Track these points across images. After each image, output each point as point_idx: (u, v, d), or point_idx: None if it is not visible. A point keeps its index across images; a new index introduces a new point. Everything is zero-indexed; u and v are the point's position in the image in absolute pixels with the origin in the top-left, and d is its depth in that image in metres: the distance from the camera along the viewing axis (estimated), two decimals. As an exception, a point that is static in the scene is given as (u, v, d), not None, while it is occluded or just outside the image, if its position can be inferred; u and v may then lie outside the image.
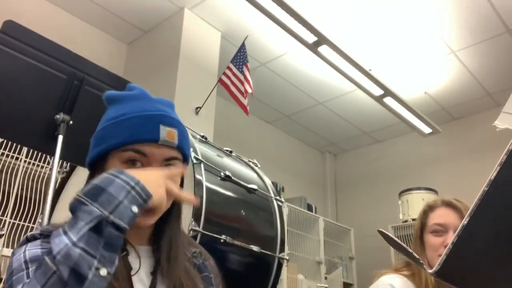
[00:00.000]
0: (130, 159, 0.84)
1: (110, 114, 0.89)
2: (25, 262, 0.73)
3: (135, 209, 0.70)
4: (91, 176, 0.89)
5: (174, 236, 0.91)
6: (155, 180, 0.76)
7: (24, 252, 0.75)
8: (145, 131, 0.84)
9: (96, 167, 0.88)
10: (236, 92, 3.25)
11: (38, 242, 0.78)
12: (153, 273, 0.87)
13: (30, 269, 0.71)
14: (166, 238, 0.90)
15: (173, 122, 0.88)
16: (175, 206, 0.92)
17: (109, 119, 0.88)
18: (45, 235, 0.79)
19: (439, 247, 1.29)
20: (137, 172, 0.76)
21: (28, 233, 0.82)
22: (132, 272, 0.83)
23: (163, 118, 0.87)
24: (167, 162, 0.86)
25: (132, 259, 0.85)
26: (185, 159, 0.92)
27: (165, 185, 0.78)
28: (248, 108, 3.25)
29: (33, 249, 0.76)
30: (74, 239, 0.64)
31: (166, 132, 0.86)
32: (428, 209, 1.39)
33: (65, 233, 0.66)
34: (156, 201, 0.75)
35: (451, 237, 1.26)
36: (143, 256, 0.88)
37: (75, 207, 0.68)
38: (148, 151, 0.84)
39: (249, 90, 3.21)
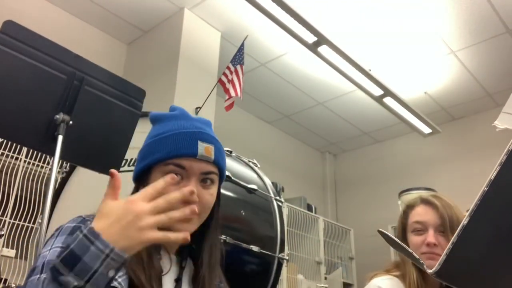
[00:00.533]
0: (171, 172, 0.89)
1: (153, 132, 0.97)
2: (43, 264, 0.76)
3: (111, 273, 0.69)
4: (136, 189, 0.96)
5: (213, 245, 0.97)
6: (132, 228, 0.69)
7: (50, 249, 0.78)
8: (185, 147, 0.91)
9: (141, 180, 0.95)
10: (228, 85, 3.26)
11: (66, 235, 0.81)
12: (177, 280, 0.92)
13: (42, 276, 0.73)
14: (206, 248, 0.96)
15: (210, 139, 0.95)
16: (213, 216, 0.98)
17: (153, 136, 0.96)
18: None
19: (420, 246, 1.29)
20: (108, 222, 0.70)
21: (75, 224, 0.83)
22: (164, 273, 0.88)
23: (200, 135, 0.94)
24: (204, 176, 0.92)
25: (163, 264, 0.90)
26: (221, 174, 0.98)
27: (148, 225, 0.70)
28: (230, 100, 3.26)
29: (56, 248, 0.78)
30: None
31: (203, 148, 0.93)
32: (408, 209, 1.39)
33: None
34: (144, 244, 0.71)
35: (431, 236, 1.27)
36: (172, 265, 0.92)
37: (53, 274, 0.68)
38: (187, 165, 0.90)
39: (238, 93, 3.21)
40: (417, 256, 0.65)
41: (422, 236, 1.30)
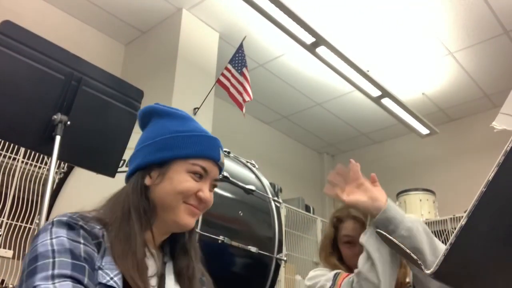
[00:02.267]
0: (196, 172, 0.94)
1: (174, 127, 0.97)
2: (52, 251, 0.76)
3: None
4: (142, 177, 0.94)
5: (195, 248, 0.99)
6: None
7: (52, 239, 0.78)
8: (212, 150, 0.96)
9: (152, 169, 0.94)
10: (234, 92, 3.25)
11: (65, 228, 0.81)
12: (160, 277, 0.91)
13: (56, 259, 0.74)
14: (190, 251, 0.98)
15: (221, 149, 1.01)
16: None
17: (176, 131, 0.96)
18: (81, 227, 0.83)
19: (352, 258, 1.35)
20: None
21: (67, 218, 0.83)
22: (149, 274, 0.87)
23: (219, 143, 1.00)
24: (214, 182, 0.98)
25: (148, 260, 0.90)
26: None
27: None
28: (244, 107, 3.25)
29: (61, 237, 0.78)
30: None
31: (222, 155, 0.99)
32: (338, 222, 1.45)
33: None
34: None
35: (361, 250, 1.31)
36: (153, 262, 0.91)
37: None
38: (209, 168, 0.95)
39: (247, 98, 3.21)
40: (415, 257, 0.65)
41: (353, 249, 1.37)
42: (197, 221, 1.65)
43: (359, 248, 1.30)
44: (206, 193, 0.94)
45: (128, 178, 0.98)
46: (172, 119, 0.99)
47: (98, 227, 0.85)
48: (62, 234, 0.79)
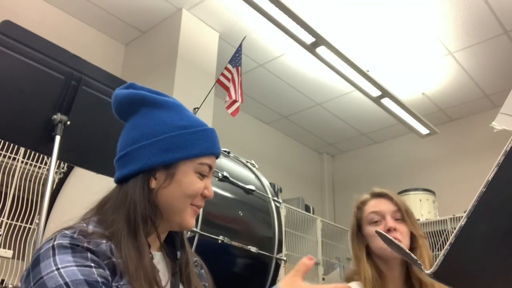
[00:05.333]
0: (203, 172, 0.91)
1: (175, 121, 0.90)
2: (66, 284, 0.69)
3: None
4: (147, 180, 0.87)
5: (186, 243, 0.97)
6: None
7: (59, 269, 0.71)
8: (216, 145, 0.94)
9: (157, 171, 0.88)
10: (233, 93, 3.26)
11: (69, 253, 0.74)
12: (173, 274, 0.90)
13: None
14: (182, 246, 0.96)
15: None
16: None
17: (179, 127, 0.90)
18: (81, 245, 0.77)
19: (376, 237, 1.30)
20: None
21: (69, 240, 0.76)
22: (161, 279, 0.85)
23: (217, 134, 0.96)
24: (212, 173, 0.96)
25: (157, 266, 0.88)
26: None
27: None
28: (231, 108, 3.26)
29: (69, 267, 0.72)
30: None
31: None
32: (361, 205, 1.39)
33: None
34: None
35: (390, 221, 1.28)
36: (159, 263, 0.90)
37: None
38: (213, 164, 0.93)
39: (239, 99, 3.21)
40: (415, 257, 0.65)
41: (380, 225, 1.30)
42: (197, 221, 1.65)
43: (387, 219, 1.28)
44: (211, 190, 0.92)
45: (123, 179, 0.89)
46: (166, 110, 0.92)
47: (103, 241, 0.79)
48: (68, 262, 0.72)
